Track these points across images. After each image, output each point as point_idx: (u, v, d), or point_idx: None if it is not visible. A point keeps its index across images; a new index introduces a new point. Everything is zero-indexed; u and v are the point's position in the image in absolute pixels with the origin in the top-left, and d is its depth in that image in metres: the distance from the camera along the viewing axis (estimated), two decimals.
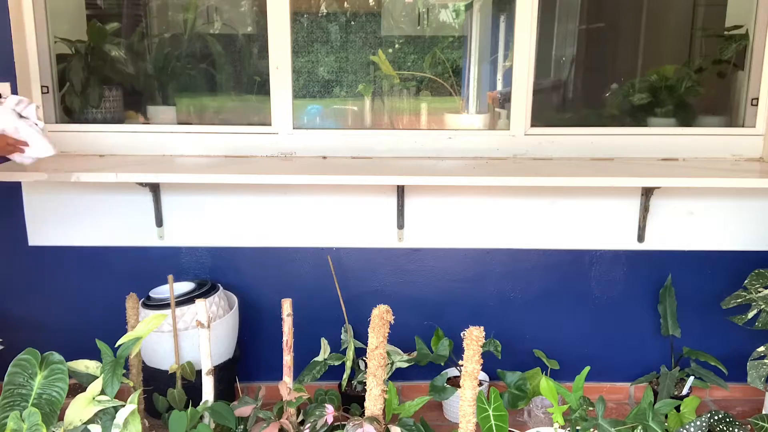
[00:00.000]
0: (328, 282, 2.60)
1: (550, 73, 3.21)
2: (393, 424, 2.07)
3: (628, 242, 2.59)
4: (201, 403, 2.20)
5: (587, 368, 2.10)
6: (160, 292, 2.49)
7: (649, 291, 2.65)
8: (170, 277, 2.32)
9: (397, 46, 3.12)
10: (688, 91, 2.88)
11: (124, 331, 2.30)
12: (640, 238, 2.58)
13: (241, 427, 2.15)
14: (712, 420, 2.11)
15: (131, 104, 2.96)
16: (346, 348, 2.52)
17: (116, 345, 2.00)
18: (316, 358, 2.51)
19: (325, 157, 2.61)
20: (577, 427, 2.02)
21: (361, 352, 2.57)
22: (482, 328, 1.92)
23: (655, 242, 2.59)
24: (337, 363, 2.49)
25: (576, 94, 3.27)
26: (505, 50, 3.03)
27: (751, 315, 2.42)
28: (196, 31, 3.03)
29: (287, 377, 2.22)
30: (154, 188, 2.51)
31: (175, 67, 3.02)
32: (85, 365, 2.11)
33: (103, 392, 1.94)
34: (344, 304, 2.58)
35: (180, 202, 2.56)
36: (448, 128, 2.84)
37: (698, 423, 2.06)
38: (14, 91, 2.45)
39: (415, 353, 2.53)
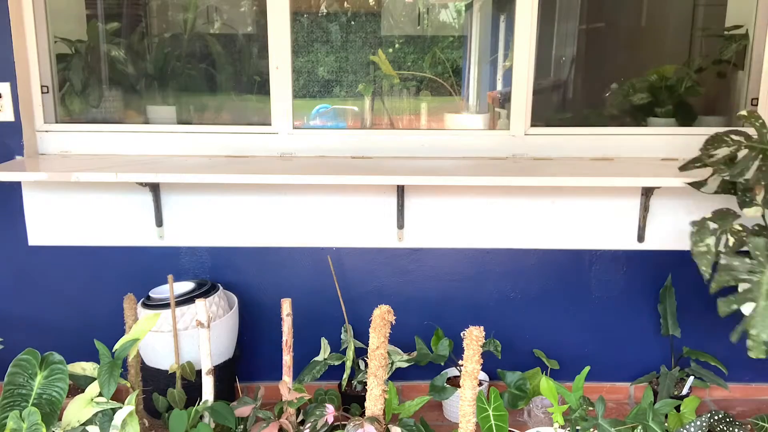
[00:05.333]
0: (328, 282, 2.60)
1: (550, 73, 3.21)
2: (393, 424, 2.07)
3: (628, 242, 2.59)
4: (201, 403, 2.20)
5: (587, 368, 2.10)
6: (160, 292, 2.49)
7: (649, 291, 2.65)
8: (170, 277, 2.32)
9: (397, 46, 3.12)
10: (688, 91, 2.88)
11: (124, 331, 2.30)
12: (640, 238, 2.58)
13: (241, 426, 2.15)
14: (712, 420, 2.11)
15: (131, 104, 2.96)
16: (346, 348, 2.52)
17: (114, 349, 2.00)
18: (316, 358, 2.51)
19: (325, 157, 2.61)
20: (577, 427, 2.02)
21: (361, 352, 2.57)
22: (482, 328, 1.92)
23: (655, 242, 2.59)
24: (337, 363, 2.49)
25: (576, 94, 3.27)
26: (505, 50, 3.03)
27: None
28: (196, 31, 3.03)
29: (287, 377, 2.22)
30: (154, 188, 2.51)
31: (175, 67, 3.02)
32: (82, 367, 2.12)
33: (101, 393, 1.94)
34: (344, 304, 2.58)
35: (180, 202, 2.56)
36: (448, 128, 2.84)
37: (698, 423, 2.06)
38: (14, 91, 2.46)
39: (415, 353, 2.53)
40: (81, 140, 2.61)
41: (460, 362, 2.37)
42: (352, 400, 2.45)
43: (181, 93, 3.02)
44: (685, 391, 2.54)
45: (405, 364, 2.47)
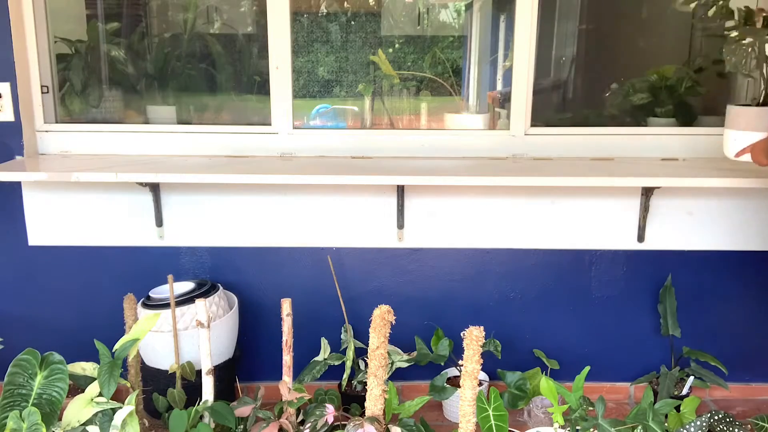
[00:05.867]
0: (328, 282, 2.60)
1: (550, 73, 3.21)
2: (393, 424, 2.07)
3: (628, 242, 2.59)
4: (201, 403, 2.20)
5: (587, 368, 2.10)
6: (160, 292, 2.49)
7: (649, 291, 2.65)
8: (170, 277, 2.32)
9: (397, 46, 3.12)
10: (688, 91, 2.88)
11: (124, 331, 2.30)
12: (640, 238, 2.58)
13: (241, 426, 2.15)
14: (712, 420, 2.11)
15: (131, 104, 2.96)
16: (346, 348, 2.52)
17: (114, 349, 2.00)
18: (316, 358, 2.51)
19: (325, 157, 2.61)
20: (577, 427, 2.02)
21: (361, 352, 2.57)
22: (482, 328, 1.92)
23: (655, 242, 2.59)
24: (337, 363, 2.49)
25: (576, 94, 3.26)
26: (505, 50, 3.03)
27: None
28: (196, 31, 3.03)
29: (287, 377, 2.22)
30: (154, 188, 2.51)
31: (175, 67, 3.02)
32: (82, 367, 2.12)
33: (101, 394, 1.94)
34: (344, 304, 2.58)
35: (180, 202, 2.56)
36: (448, 128, 2.84)
37: (698, 423, 2.06)
38: (14, 91, 2.46)
39: (415, 353, 2.53)
40: (81, 140, 2.61)
41: (460, 362, 2.37)
42: (352, 400, 2.45)
43: (181, 93, 3.02)
44: (685, 391, 2.54)
45: (405, 364, 2.47)
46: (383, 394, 2.05)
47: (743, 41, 2.00)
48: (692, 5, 2.38)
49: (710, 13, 2.21)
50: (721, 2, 2.20)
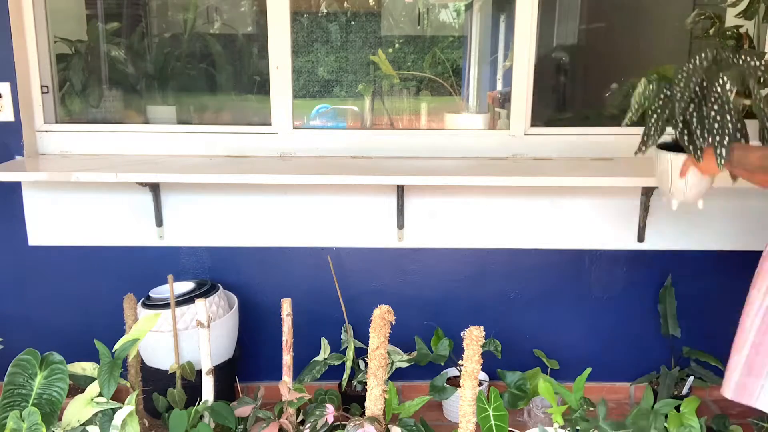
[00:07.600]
0: (328, 282, 2.60)
1: (550, 73, 3.21)
2: (393, 424, 2.07)
3: (628, 242, 2.59)
4: (201, 403, 2.20)
5: (588, 369, 2.10)
6: (159, 292, 2.49)
7: (649, 291, 2.65)
8: (170, 277, 2.32)
9: (397, 46, 3.12)
10: None
11: (124, 331, 2.30)
12: (640, 238, 2.58)
13: (241, 426, 2.15)
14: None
15: (131, 104, 2.96)
16: (346, 348, 2.52)
17: (114, 349, 2.00)
18: (316, 358, 2.51)
19: (325, 157, 2.61)
20: (577, 428, 2.02)
21: (361, 352, 2.57)
22: (482, 327, 1.92)
23: (655, 242, 2.59)
24: (337, 363, 2.49)
25: (576, 94, 3.27)
26: (505, 50, 3.03)
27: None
28: (196, 31, 3.03)
29: (287, 377, 2.22)
30: (154, 188, 2.51)
31: (175, 67, 3.02)
32: (82, 367, 2.11)
33: (101, 394, 1.94)
34: (344, 304, 2.58)
35: (180, 202, 2.56)
36: (448, 128, 2.84)
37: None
38: (14, 91, 2.45)
39: (415, 353, 2.53)
40: (81, 140, 2.61)
41: (460, 362, 2.36)
42: (352, 400, 2.45)
43: (181, 93, 3.03)
44: (685, 391, 2.54)
45: (405, 364, 2.47)
46: (383, 394, 2.05)
47: (751, 62, 2.13)
48: (694, 22, 2.47)
49: (711, 32, 2.32)
50: (717, 24, 2.31)
